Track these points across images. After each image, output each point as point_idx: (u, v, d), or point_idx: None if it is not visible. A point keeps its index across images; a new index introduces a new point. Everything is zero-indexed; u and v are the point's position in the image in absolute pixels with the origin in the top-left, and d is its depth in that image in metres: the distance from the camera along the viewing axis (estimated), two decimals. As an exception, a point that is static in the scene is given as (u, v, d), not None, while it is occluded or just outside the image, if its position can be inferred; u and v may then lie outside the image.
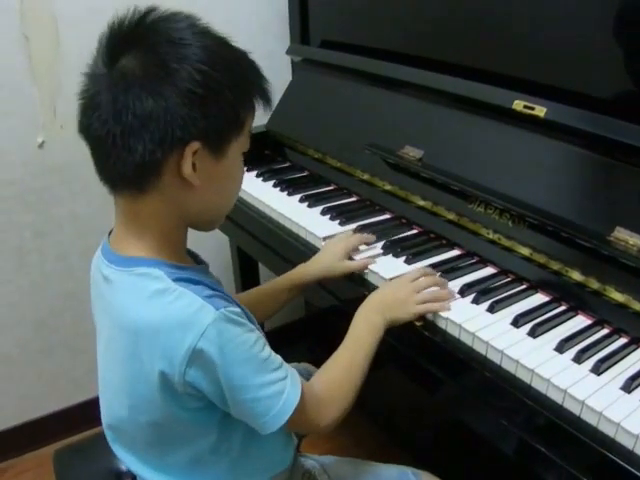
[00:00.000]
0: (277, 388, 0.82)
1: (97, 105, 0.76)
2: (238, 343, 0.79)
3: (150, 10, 0.78)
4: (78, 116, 0.80)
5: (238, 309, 0.82)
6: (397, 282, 1.11)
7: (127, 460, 0.96)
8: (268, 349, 0.84)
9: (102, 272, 0.86)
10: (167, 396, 0.81)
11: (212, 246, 1.83)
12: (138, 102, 0.74)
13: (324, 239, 1.31)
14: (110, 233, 0.90)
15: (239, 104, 0.81)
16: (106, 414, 0.96)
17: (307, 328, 2.34)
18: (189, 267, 0.88)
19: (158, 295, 0.79)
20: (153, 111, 0.74)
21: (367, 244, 1.26)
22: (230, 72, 0.78)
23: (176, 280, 0.80)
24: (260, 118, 1.68)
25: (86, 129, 0.78)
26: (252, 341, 0.81)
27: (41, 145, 1.70)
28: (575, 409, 0.86)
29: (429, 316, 1.06)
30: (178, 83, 0.74)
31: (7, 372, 1.89)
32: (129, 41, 0.77)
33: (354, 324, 1.03)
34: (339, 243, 1.23)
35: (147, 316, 0.79)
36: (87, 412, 1.87)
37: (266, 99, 0.85)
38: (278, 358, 0.86)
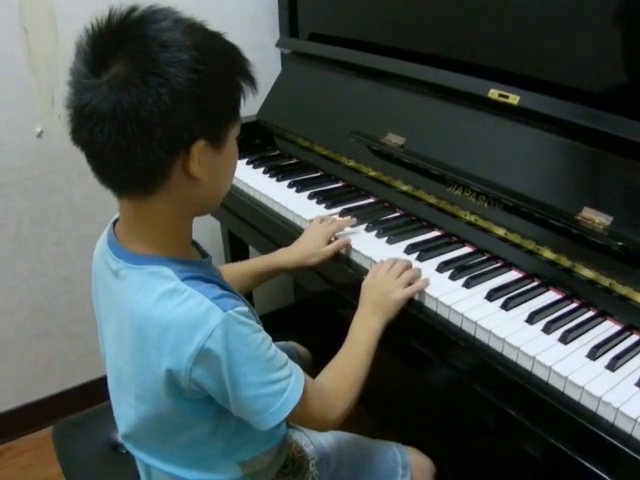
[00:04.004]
0: (279, 386, 0.84)
1: (98, 118, 0.73)
2: (245, 343, 0.81)
3: (131, 10, 0.76)
4: (71, 127, 0.77)
5: (246, 308, 0.83)
6: (377, 277, 1.12)
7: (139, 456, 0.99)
8: (274, 347, 0.86)
9: (110, 266, 0.86)
10: (171, 390, 0.83)
11: (204, 231, 1.85)
12: (141, 111, 0.72)
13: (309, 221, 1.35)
14: (115, 223, 0.90)
15: (233, 92, 0.81)
16: (121, 422, 0.97)
17: (296, 314, 2.39)
18: (197, 262, 0.89)
19: (168, 295, 0.80)
20: (157, 118, 0.72)
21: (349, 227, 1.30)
22: (222, 63, 0.79)
23: (186, 279, 0.81)
24: (250, 109, 1.75)
25: (87, 142, 0.76)
26: (259, 341, 0.83)
27: (39, 134, 1.73)
28: (543, 375, 0.91)
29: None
30: (177, 86, 0.73)
31: (4, 355, 1.92)
32: (117, 46, 0.74)
33: (352, 330, 1.06)
34: (320, 230, 1.26)
35: (156, 315, 0.80)
36: (83, 394, 1.91)
37: (252, 81, 0.83)
38: (284, 356, 0.87)
